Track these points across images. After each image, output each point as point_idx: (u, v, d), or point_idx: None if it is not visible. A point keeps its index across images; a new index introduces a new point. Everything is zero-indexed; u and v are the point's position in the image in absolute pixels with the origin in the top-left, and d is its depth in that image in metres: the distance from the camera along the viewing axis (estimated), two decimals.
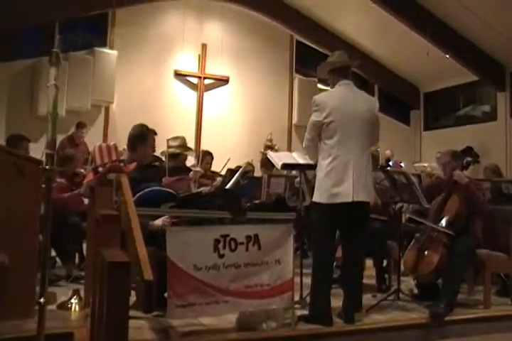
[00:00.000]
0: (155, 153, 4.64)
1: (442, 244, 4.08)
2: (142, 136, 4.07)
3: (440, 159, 5.01)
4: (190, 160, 6.15)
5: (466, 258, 4.07)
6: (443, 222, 4.19)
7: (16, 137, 4.82)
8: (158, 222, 3.60)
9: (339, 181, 3.55)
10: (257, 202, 5.26)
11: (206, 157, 6.42)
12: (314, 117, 3.67)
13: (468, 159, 4.55)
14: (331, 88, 3.88)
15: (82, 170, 5.45)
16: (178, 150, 5.03)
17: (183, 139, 5.37)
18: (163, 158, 4.96)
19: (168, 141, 4.95)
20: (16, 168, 3.34)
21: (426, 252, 4.12)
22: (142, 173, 3.90)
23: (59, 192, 4.76)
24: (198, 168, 5.15)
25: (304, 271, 4.08)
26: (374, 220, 4.80)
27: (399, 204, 4.55)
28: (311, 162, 3.93)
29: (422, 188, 4.70)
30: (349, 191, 3.53)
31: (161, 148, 4.85)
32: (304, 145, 3.83)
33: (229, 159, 5.67)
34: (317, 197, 3.65)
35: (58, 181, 4.81)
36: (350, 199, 3.53)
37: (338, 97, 3.71)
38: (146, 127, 4.14)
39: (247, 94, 10.75)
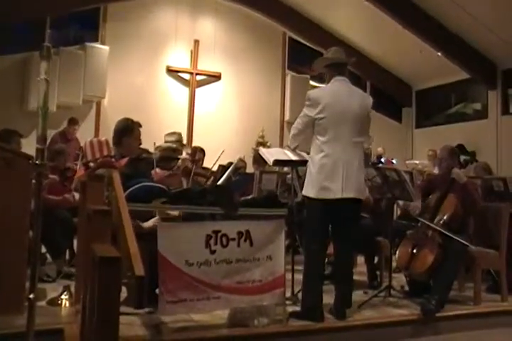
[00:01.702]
0: (147, 148, 4.62)
1: (437, 244, 4.08)
2: (128, 129, 4.04)
3: (436, 154, 5.03)
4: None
5: (460, 257, 4.09)
6: (440, 221, 4.20)
7: (9, 132, 4.77)
8: (149, 223, 3.57)
9: (329, 177, 3.56)
10: (248, 198, 5.26)
11: (198, 153, 6.41)
12: (307, 112, 3.69)
13: (466, 158, 4.56)
14: (327, 83, 3.89)
15: (74, 165, 5.41)
16: (174, 145, 5.03)
17: (180, 135, 5.38)
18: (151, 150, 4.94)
19: (164, 136, 4.95)
20: (5, 163, 3.31)
21: (421, 251, 4.12)
22: (133, 168, 3.88)
23: (51, 188, 4.74)
24: (186, 156, 5.12)
25: (296, 267, 4.08)
26: (362, 217, 4.82)
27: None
28: (303, 158, 3.93)
29: (420, 186, 4.71)
30: (339, 188, 3.55)
31: (151, 142, 4.84)
32: (291, 134, 3.85)
33: (223, 151, 5.65)
34: (307, 191, 3.67)
35: (51, 177, 4.78)
36: (339, 196, 3.54)
37: (332, 93, 3.71)
38: (131, 120, 4.11)
39: (239, 91, 10.72)
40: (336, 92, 3.72)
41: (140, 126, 4.14)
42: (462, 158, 4.53)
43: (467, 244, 4.02)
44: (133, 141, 4.07)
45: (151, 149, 5.13)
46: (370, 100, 3.91)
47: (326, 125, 3.62)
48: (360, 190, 3.67)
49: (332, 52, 3.88)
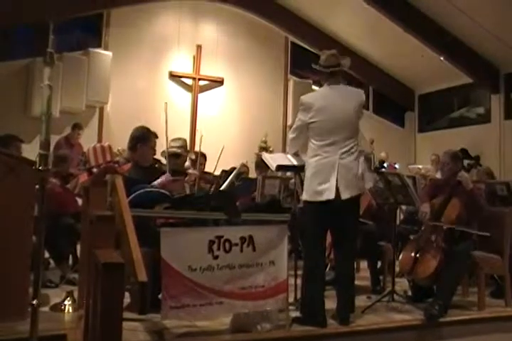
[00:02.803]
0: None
1: (441, 248, 4.07)
2: (143, 137, 4.15)
3: (439, 159, 5.03)
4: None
5: (463, 262, 4.07)
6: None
7: (8, 137, 4.78)
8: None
9: (324, 180, 3.58)
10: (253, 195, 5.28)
11: (199, 158, 6.40)
12: (300, 116, 3.74)
13: (470, 162, 4.55)
14: (320, 87, 3.91)
15: (77, 171, 5.42)
16: (179, 150, 5.05)
17: (184, 141, 5.40)
18: (163, 160, 4.96)
19: (169, 141, 4.96)
20: (8, 168, 3.31)
21: (424, 255, 4.11)
22: (138, 174, 3.91)
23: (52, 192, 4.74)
24: (194, 171, 5.15)
25: (298, 272, 4.07)
26: (365, 223, 4.82)
27: None
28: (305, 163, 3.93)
29: (427, 189, 4.70)
30: (332, 189, 3.55)
31: (157, 148, 4.84)
32: (288, 140, 3.95)
33: (223, 147, 5.64)
34: (304, 195, 3.72)
35: (51, 182, 4.78)
36: (332, 197, 3.54)
37: (325, 97, 3.73)
38: (148, 129, 4.23)
39: (242, 96, 10.74)
40: (328, 96, 3.73)
41: (156, 136, 4.22)
42: (466, 162, 4.51)
43: (485, 234, 4.00)
44: (147, 149, 4.16)
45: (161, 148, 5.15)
46: (362, 96, 3.87)
47: (319, 129, 3.64)
48: (355, 187, 3.63)
49: (325, 57, 3.86)
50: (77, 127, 8.33)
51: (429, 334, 3.77)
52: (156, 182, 3.92)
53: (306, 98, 3.77)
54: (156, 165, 4.55)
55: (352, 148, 3.69)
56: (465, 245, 4.10)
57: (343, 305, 3.64)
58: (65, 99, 8.54)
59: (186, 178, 4.74)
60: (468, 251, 4.14)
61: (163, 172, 4.20)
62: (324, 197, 3.56)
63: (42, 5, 8.53)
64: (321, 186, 3.57)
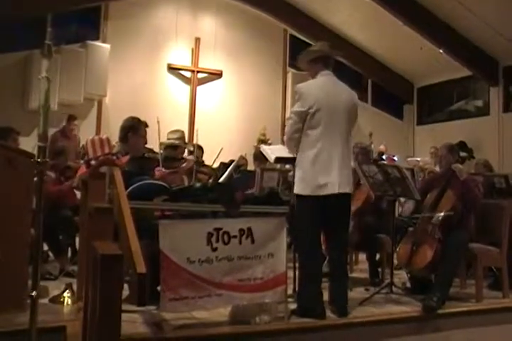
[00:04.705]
0: (150, 146, 4.64)
1: (437, 239, 4.09)
2: (133, 127, 4.11)
3: (438, 152, 5.03)
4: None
5: (460, 253, 4.08)
6: (439, 217, 4.19)
7: (5, 129, 4.77)
8: None
9: (325, 172, 3.52)
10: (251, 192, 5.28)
11: (196, 151, 6.40)
12: (299, 107, 3.62)
13: (464, 155, 4.55)
14: (312, 78, 3.83)
15: (75, 164, 5.42)
16: (177, 142, 5.05)
17: (182, 133, 5.40)
18: (157, 150, 4.96)
19: (167, 133, 4.97)
20: (6, 161, 3.31)
21: (420, 247, 4.12)
22: (135, 166, 3.90)
23: (48, 185, 4.74)
24: (190, 157, 5.14)
25: (297, 264, 4.08)
26: (367, 215, 4.83)
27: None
28: None
29: (421, 184, 4.71)
30: (335, 182, 3.52)
31: (153, 141, 4.84)
32: (287, 137, 3.73)
33: (221, 149, 5.64)
34: (301, 190, 3.61)
35: (47, 174, 4.78)
36: (336, 191, 3.52)
37: (321, 87, 3.68)
38: (138, 119, 4.19)
39: (241, 88, 10.71)
40: (324, 86, 3.69)
41: (146, 125, 4.21)
42: (462, 155, 4.51)
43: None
44: (138, 139, 4.14)
45: (154, 146, 5.15)
46: (355, 96, 3.86)
47: (318, 119, 3.56)
48: (350, 184, 3.64)
49: (318, 46, 3.86)
50: (71, 119, 8.21)
51: (427, 326, 3.79)
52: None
53: (302, 87, 3.69)
54: (150, 154, 4.54)
55: (348, 140, 3.68)
56: (460, 234, 4.11)
57: (339, 297, 3.64)
58: (63, 92, 8.51)
59: (183, 164, 4.73)
60: (464, 240, 4.15)
61: (158, 161, 4.20)
62: (326, 192, 3.52)
63: None
64: (323, 179, 3.52)
